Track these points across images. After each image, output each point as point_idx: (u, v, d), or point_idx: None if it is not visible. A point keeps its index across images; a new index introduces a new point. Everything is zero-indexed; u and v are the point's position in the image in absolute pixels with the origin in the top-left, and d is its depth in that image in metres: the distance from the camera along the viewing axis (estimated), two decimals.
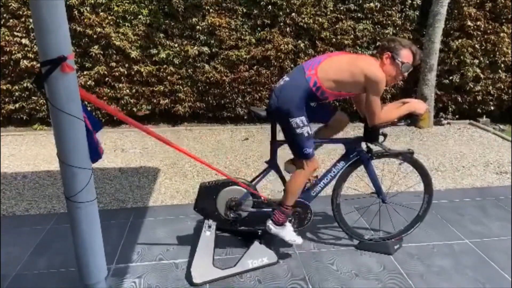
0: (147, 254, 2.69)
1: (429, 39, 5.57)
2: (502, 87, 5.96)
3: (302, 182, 2.53)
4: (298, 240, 2.59)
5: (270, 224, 2.55)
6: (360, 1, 5.55)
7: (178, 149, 2.17)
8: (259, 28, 5.57)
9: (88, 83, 5.44)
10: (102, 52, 5.37)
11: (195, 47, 5.46)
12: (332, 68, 2.35)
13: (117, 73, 5.45)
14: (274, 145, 2.62)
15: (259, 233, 2.69)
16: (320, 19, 5.51)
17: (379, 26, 5.69)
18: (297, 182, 2.51)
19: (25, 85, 5.41)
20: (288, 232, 2.57)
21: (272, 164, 2.66)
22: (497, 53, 5.78)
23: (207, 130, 5.70)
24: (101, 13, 5.23)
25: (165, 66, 5.50)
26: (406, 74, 2.39)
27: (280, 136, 2.60)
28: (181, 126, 5.88)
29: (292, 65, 5.63)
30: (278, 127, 2.61)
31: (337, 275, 2.49)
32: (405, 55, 2.35)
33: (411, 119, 2.51)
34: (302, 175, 2.49)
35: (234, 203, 2.60)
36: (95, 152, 1.79)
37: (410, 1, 5.63)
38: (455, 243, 2.83)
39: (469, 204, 3.44)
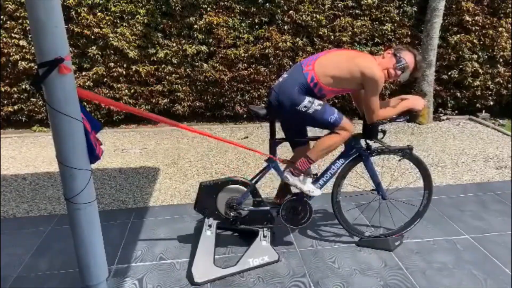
0: (148, 254, 2.69)
1: (427, 35, 5.56)
2: (501, 81, 5.96)
3: (334, 146, 2.45)
4: (317, 191, 2.55)
5: (287, 174, 2.53)
6: None
7: (190, 129, 2.13)
8: (257, 26, 5.57)
9: (87, 84, 5.43)
10: (100, 53, 5.36)
11: (193, 46, 5.46)
12: (330, 64, 2.35)
13: (115, 74, 5.45)
14: (274, 143, 2.62)
15: (260, 231, 2.69)
16: (318, 16, 5.50)
17: (377, 23, 5.68)
18: (330, 142, 2.44)
19: (23, 86, 5.40)
20: (306, 184, 2.53)
21: (271, 162, 2.66)
22: (496, 47, 5.77)
23: (207, 129, 5.69)
24: (99, 14, 5.22)
25: (163, 65, 5.50)
26: (400, 73, 2.38)
27: (279, 134, 2.60)
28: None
29: (290, 63, 5.62)
30: (278, 125, 2.61)
31: (338, 272, 2.49)
32: (407, 56, 2.38)
33: (410, 115, 2.52)
34: (337, 140, 2.43)
35: (234, 202, 2.60)
36: (92, 154, 1.79)
37: None
38: (456, 239, 2.84)
39: (469, 200, 3.44)
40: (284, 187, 2.78)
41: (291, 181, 2.53)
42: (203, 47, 5.48)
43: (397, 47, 2.42)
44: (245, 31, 5.53)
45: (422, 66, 2.43)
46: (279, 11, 5.47)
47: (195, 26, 5.40)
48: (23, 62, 5.26)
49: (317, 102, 2.37)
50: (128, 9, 5.25)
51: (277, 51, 5.56)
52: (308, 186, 2.54)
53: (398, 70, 2.38)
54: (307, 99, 2.35)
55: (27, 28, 5.14)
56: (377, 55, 2.50)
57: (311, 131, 2.68)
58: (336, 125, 2.41)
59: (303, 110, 2.35)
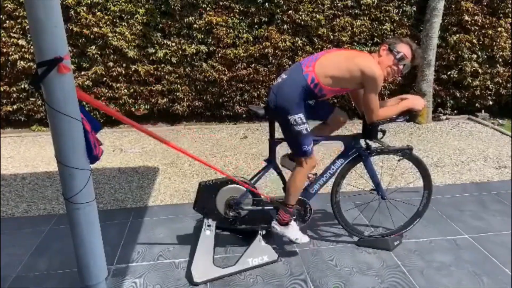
0: (147, 254, 2.69)
1: (427, 35, 5.56)
2: (500, 81, 5.96)
3: (302, 180, 2.53)
4: (304, 238, 2.60)
5: (275, 224, 2.56)
6: None
7: (176, 148, 2.17)
8: (256, 26, 5.56)
9: (86, 83, 5.43)
10: (99, 52, 5.35)
11: (193, 46, 5.45)
12: (330, 64, 2.35)
13: (114, 73, 5.44)
14: (273, 143, 2.62)
15: (259, 231, 2.69)
16: (317, 16, 5.50)
17: (376, 22, 5.67)
18: (297, 180, 2.51)
19: (22, 86, 5.40)
20: (293, 231, 2.58)
21: (271, 162, 2.66)
22: (495, 47, 5.78)
23: (206, 129, 5.69)
24: (98, 13, 5.21)
25: (162, 65, 5.49)
26: (402, 67, 2.39)
27: (278, 134, 2.60)
28: (180, 125, 5.88)
29: (290, 63, 5.62)
30: (277, 125, 2.61)
31: (337, 272, 2.49)
32: (403, 48, 2.36)
33: (410, 115, 2.52)
34: (302, 173, 2.49)
35: (234, 201, 2.60)
36: (90, 154, 1.78)
37: None
38: (455, 239, 2.84)
39: (468, 199, 3.44)
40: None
41: (279, 231, 2.57)
42: (203, 47, 5.48)
43: (390, 41, 2.40)
44: (244, 30, 5.53)
45: (419, 52, 2.43)
46: (278, 10, 5.47)
47: (195, 25, 5.39)
48: (22, 62, 5.26)
49: (305, 126, 2.39)
50: (128, 8, 5.24)
51: (277, 51, 5.56)
52: (295, 235, 2.58)
53: (400, 65, 2.38)
54: (301, 116, 2.35)
55: (26, 28, 5.14)
56: (373, 53, 2.49)
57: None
58: (305, 155, 2.45)
59: (292, 122, 2.36)
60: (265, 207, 2.67)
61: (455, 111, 6.17)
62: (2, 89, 5.36)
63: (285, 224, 2.56)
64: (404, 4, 5.66)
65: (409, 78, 5.93)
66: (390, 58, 2.37)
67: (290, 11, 5.47)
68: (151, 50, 5.43)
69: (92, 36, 5.26)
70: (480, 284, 2.37)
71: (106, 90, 5.53)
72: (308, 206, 2.64)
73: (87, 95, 1.79)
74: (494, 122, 5.95)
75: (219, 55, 5.54)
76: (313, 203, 2.68)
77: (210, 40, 5.48)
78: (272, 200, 2.66)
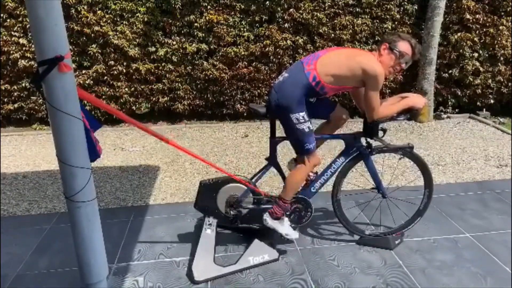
0: (148, 253, 2.69)
1: (428, 33, 5.55)
2: (502, 80, 5.95)
3: (302, 178, 2.53)
4: (294, 235, 2.59)
5: (266, 217, 2.56)
6: None
7: (177, 147, 2.17)
8: (257, 25, 5.56)
9: (87, 82, 5.43)
10: (100, 51, 5.36)
11: (193, 44, 5.45)
12: (331, 62, 2.35)
13: (115, 72, 5.44)
14: (274, 141, 2.61)
15: (260, 230, 2.69)
16: (318, 14, 5.49)
17: (377, 21, 5.67)
18: (297, 177, 2.51)
19: (23, 85, 5.40)
20: (284, 227, 2.58)
21: (272, 160, 2.65)
22: (496, 46, 5.76)
23: (207, 128, 5.69)
24: (98, 12, 5.21)
25: (163, 64, 5.49)
26: (404, 65, 2.39)
27: (279, 132, 2.60)
28: (181, 123, 5.88)
29: (291, 61, 5.62)
30: (278, 124, 2.60)
31: (338, 270, 2.49)
32: (403, 46, 2.36)
33: (411, 113, 2.51)
34: (303, 171, 2.49)
35: (234, 200, 2.60)
36: (93, 151, 1.79)
37: None
38: (456, 237, 2.83)
39: (469, 198, 3.43)
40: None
41: (270, 224, 2.56)
42: (203, 45, 5.48)
43: (389, 39, 2.38)
44: (245, 29, 5.52)
45: (419, 47, 2.42)
46: (279, 9, 5.46)
47: (195, 24, 5.39)
48: (23, 61, 5.26)
49: (308, 124, 2.39)
50: (128, 7, 5.24)
51: (278, 49, 5.55)
52: (285, 229, 2.58)
53: (401, 64, 2.38)
54: (303, 114, 2.36)
55: (27, 26, 5.14)
56: (373, 51, 2.48)
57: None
58: (307, 153, 2.45)
59: (294, 121, 2.36)
60: (266, 206, 2.66)
61: (456, 110, 6.16)
62: (3, 88, 5.37)
63: (277, 218, 2.56)
64: (406, 3, 5.65)
65: (410, 76, 5.93)
66: (392, 58, 2.36)
67: (291, 10, 5.46)
68: (151, 49, 5.43)
69: (93, 35, 5.27)
70: (481, 283, 2.37)
71: (107, 89, 5.53)
72: (309, 204, 2.64)
73: (88, 93, 1.79)
74: (495, 121, 5.94)
75: (220, 53, 5.54)
76: (314, 201, 2.68)
77: (211, 38, 5.48)
78: (267, 194, 2.66)
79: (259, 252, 2.56)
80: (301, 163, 2.49)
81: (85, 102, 5.43)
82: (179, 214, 3.20)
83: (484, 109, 6.14)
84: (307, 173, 2.54)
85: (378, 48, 2.41)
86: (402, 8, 5.67)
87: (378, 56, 2.38)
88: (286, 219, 2.60)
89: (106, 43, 5.32)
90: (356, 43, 5.71)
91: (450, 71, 5.90)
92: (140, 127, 2.01)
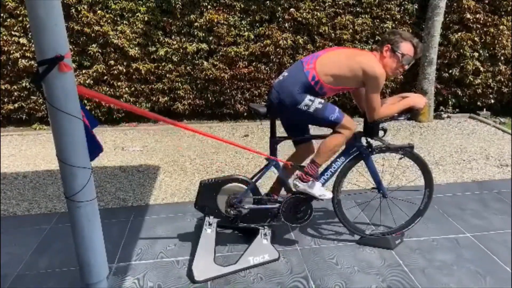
0: (148, 252, 2.69)
1: (428, 33, 5.55)
2: (502, 80, 5.95)
3: (338, 144, 2.45)
4: (328, 194, 2.56)
5: (297, 181, 2.53)
6: None
7: (193, 130, 2.14)
8: (257, 24, 5.56)
9: (87, 81, 5.43)
10: (100, 51, 5.36)
11: (194, 44, 5.45)
12: (331, 62, 2.35)
13: (115, 72, 5.45)
14: (274, 141, 2.61)
15: (260, 229, 2.69)
16: (318, 14, 5.49)
17: (378, 20, 5.67)
18: (332, 142, 2.44)
19: (24, 84, 5.40)
20: (316, 188, 2.54)
21: (272, 160, 2.65)
22: (497, 45, 5.76)
23: (207, 127, 5.69)
24: (99, 11, 5.21)
25: (163, 63, 5.50)
26: (406, 66, 2.39)
27: (279, 132, 2.59)
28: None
29: (291, 61, 5.62)
30: (278, 124, 2.60)
31: (338, 270, 2.49)
32: (406, 48, 2.36)
33: (411, 113, 2.51)
34: (339, 138, 2.43)
35: (235, 200, 2.59)
36: (97, 146, 1.80)
37: None
38: (456, 237, 2.83)
39: (470, 198, 3.43)
40: (282, 182, 2.77)
41: (301, 188, 2.53)
42: (204, 45, 5.48)
43: (391, 40, 2.37)
44: (245, 29, 5.52)
45: (421, 45, 2.42)
46: (279, 9, 5.46)
47: (196, 24, 5.39)
48: (23, 60, 5.26)
49: (317, 100, 2.36)
50: (128, 7, 5.24)
51: (278, 49, 5.55)
52: (318, 191, 2.55)
53: (405, 66, 2.39)
54: (308, 97, 2.34)
55: (27, 26, 5.14)
56: (373, 51, 2.47)
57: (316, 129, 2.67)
58: (337, 124, 2.41)
59: (304, 108, 2.35)
60: (267, 205, 2.66)
61: (457, 110, 6.16)
62: (3, 88, 5.37)
63: (307, 181, 2.53)
64: (406, 2, 5.65)
65: (410, 76, 5.93)
66: (395, 60, 2.36)
67: (291, 9, 5.46)
68: (152, 49, 5.43)
69: (93, 35, 5.27)
70: (481, 282, 2.36)
71: (107, 89, 5.53)
72: (309, 204, 2.63)
73: (89, 89, 1.79)
74: (495, 121, 5.93)
75: (220, 53, 5.54)
76: (314, 201, 2.67)
77: (211, 38, 5.48)
78: (292, 165, 2.61)
79: (259, 252, 2.56)
80: (336, 132, 2.44)
81: (85, 102, 5.44)
82: (179, 214, 3.20)
83: (485, 109, 6.14)
84: (345, 140, 2.47)
85: (380, 49, 2.40)
86: (402, 7, 5.67)
87: (380, 58, 2.38)
88: (317, 182, 2.55)
89: (106, 43, 5.32)
90: (357, 42, 5.71)
91: (450, 71, 5.89)
92: (148, 115, 1.99)
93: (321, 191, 2.55)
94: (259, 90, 5.76)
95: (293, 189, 2.58)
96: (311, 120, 2.42)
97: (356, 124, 2.49)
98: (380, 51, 2.39)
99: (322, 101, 2.38)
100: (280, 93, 2.38)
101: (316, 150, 2.53)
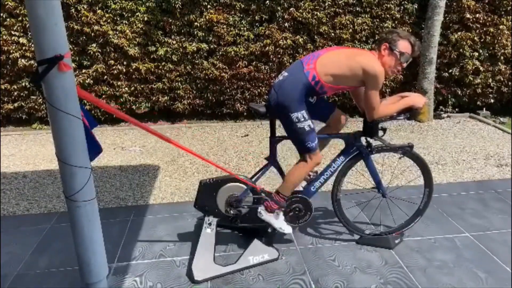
0: (148, 252, 2.69)
1: (428, 32, 5.55)
2: (502, 79, 5.95)
3: (302, 175, 2.52)
4: (287, 229, 2.60)
5: (261, 210, 2.56)
6: None
7: (178, 146, 2.17)
8: (257, 24, 5.56)
9: (87, 81, 5.43)
10: (100, 50, 5.35)
11: (194, 44, 5.45)
12: (331, 62, 2.35)
13: (115, 71, 5.44)
14: (274, 141, 2.61)
15: (260, 229, 2.69)
16: (318, 14, 5.49)
17: (377, 20, 5.67)
18: (297, 173, 2.51)
19: (23, 84, 5.40)
20: (278, 221, 2.58)
21: (271, 160, 2.65)
22: (497, 45, 5.76)
23: (207, 127, 5.69)
24: (98, 11, 5.21)
25: (163, 63, 5.49)
26: (404, 64, 2.40)
27: (279, 132, 2.59)
28: (181, 123, 5.88)
29: (291, 61, 5.62)
30: (278, 123, 2.60)
31: (338, 270, 2.49)
32: (403, 46, 2.36)
33: (411, 113, 2.51)
34: (304, 168, 2.48)
35: (234, 199, 2.59)
36: (96, 146, 1.79)
37: None
38: (456, 237, 2.83)
39: (469, 198, 3.43)
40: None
41: (265, 217, 2.56)
42: (203, 45, 5.48)
43: (389, 39, 2.36)
44: (245, 28, 5.52)
45: (418, 44, 2.42)
46: (279, 8, 5.46)
47: (195, 23, 5.39)
48: (23, 60, 5.26)
49: (309, 122, 2.38)
50: (128, 6, 5.24)
51: (278, 49, 5.55)
52: (280, 224, 2.59)
53: (403, 64, 2.40)
54: (303, 113, 2.35)
55: (27, 26, 5.13)
56: (372, 50, 2.47)
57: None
58: (309, 152, 2.45)
59: (294, 120, 2.36)
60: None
61: (456, 109, 6.17)
62: (3, 87, 5.37)
63: (272, 212, 2.56)
64: (406, 2, 5.65)
65: (410, 75, 5.93)
66: (393, 58, 2.37)
67: (291, 9, 5.46)
68: (151, 48, 5.43)
69: (92, 34, 5.26)
70: (481, 282, 2.37)
71: (107, 88, 5.53)
72: (309, 204, 2.64)
73: (87, 93, 1.79)
74: (495, 120, 5.94)
75: (220, 53, 5.54)
76: (314, 201, 2.68)
77: (211, 38, 5.48)
78: (263, 190, 2.65)
79: (259, 252, 2.56)
80: (303, 161, 2.49)
81: (85, 101, 5.44)
82: (179, 214, 3.20)
83: (484, 109, 6.15)
84: (308, 171, 2.53)
85: (378, 48, 2.40)
86: (402, 7, 5.67)
87: (379, 56, 2.38)
88: (281, 213, 2.60)
89: (106, 43, 5.32)
90: (356, 42, 5.71)
91: (450, 71, 5.90)
92: (141, 126, 2.01)
93: (282, 224, 2.60)
94: (259, 90, 5.76)
95: (258, 216, 2.59)
96: (291, 131, 2.44)
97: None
98: (378, 50, 2.39)
99: (312, 126, 2.40)
100: (279, 94, 2.38)
101: (282, 182, 2.57)
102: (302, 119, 2.36)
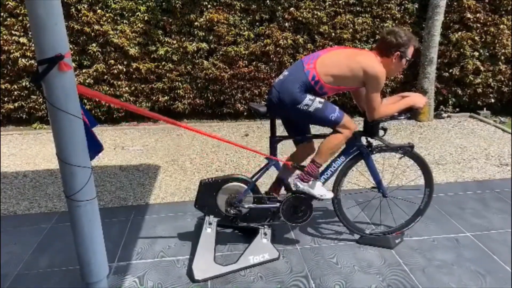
0: (149, 252, 2.69)
1: (429, 32, 5.54)
2: (502, 79, 5.95)
3: (338, 144, 2.45)
4: (329, 194, 2.56)
5: (297, 181, 2.53)
6: None
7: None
8: (257, 24, 5.55)
9: (87, 81, 5.43)
10: (100, 50, 5.35)
11: (194, 44, 5.45)
12: (331, 62, 2.35)
13: (115, 71, 5.44)
14: (274, 140, 2.61)
15: (260, 228, 2.69)
16: (318, 13, 5.49)
17: (378, 20, 5.66)
18: (332, 142, 2.44)
19: (24, 84, 5.40)
20: (317, 188, 2.54)
21: (272, 160, 2.65)
22: (497, 45, 5.76)
23: (207, 127, 5.69)
24: (99, 11, 5.21)
25: (163, 63, 5.49)
26: (405, 66, 2.46)
27: (279, 131, 2.59)
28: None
29: (291, 60, 5.62)
30: (278, 123, 2.60)
31: (338, 269, 2.49)
32: (410, 52, 2.41)
33: (411, 112, 2.51)
34: (339, 138, 2.43)
35: (235, 199, 2.59)
36: (97, 144, 1.80)
37: None
38: (456, 237, 2.83)
39: (470, 197, 3.43)
40: (281, 181, 2.77)
41: (301, 188, 2.52)
42: (204, 44, 5.47)
43: (399, 45, 2.33)
44: (245, 28, 5.52)
45: (416, 44, 2.42)
46: (279, 8, 5.46)
47: (196, 23, 5.39)
48: (23, 60, 5.26)
49: (318, 99, 2.36)
50: (128, 6, 5.24)
51: (278, 49, 5.55)
52: (319, 190, 2.55)
53: (404, 65, 2.44)
54: (308, 97, 2.34)
55: (27, 26, 5.13)
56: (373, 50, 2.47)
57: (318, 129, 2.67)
58: (337, 123, 2.41)
59: (304, 108, 2.35)
60: (266, 205, 2.66)
61: (457, 109, 6.16)
62: (3, 87, 5.37)
63: (307, 181, 2.53)
64: (406, 2, 5.65)
65: (410, 75, 5.93)
66: (401, 65, 2.41)
67: (291, 9, 5.46)
68: (152, 48, 5.42)
69: (93, 34, 5.26)
70: (481, 282, 2.37)
71: (107, 88, 5.53)
72: (309, 204, 2.63)
73: (89, 89, 1.79)
74: (496, 120, 5.93)
75: (220, 52, 5.54)
76: (314, 200, 2.67)
77: (211, 37, 5.48)
78: (293, 165, 2.61)
79: (259, 251, 2.56)
80: (337, 132, 2.44)
81: (85, 101, 5.44)
82: (179, 213, 3.20)
83: (485, 108, 6.14)
84: (345, 141, 2.47)
85: (387, 53, 2.37)
86: (402, 7, 5.67)
87: (384, 61, 2.37)
88: (317, 182, 2.55)
89: (106, 42, 5.32)
90: (357, 42, 5.70)
91: (450, 70, 5.89)
92: (148, 114, 1.99)
93: (321, 191, 2.55)
94: (259, 90, 5.76)
95: (293, 189, 2.58)
96: (311, 119, 2.43)
97: (356, 124, 2.49)
98: (386, 55, 2.38)
99: (322, 100, 2.38)
100: (280, 93, 2.38)
101: (316, 150, 2.53)
102: (311, 102, 2.34)
